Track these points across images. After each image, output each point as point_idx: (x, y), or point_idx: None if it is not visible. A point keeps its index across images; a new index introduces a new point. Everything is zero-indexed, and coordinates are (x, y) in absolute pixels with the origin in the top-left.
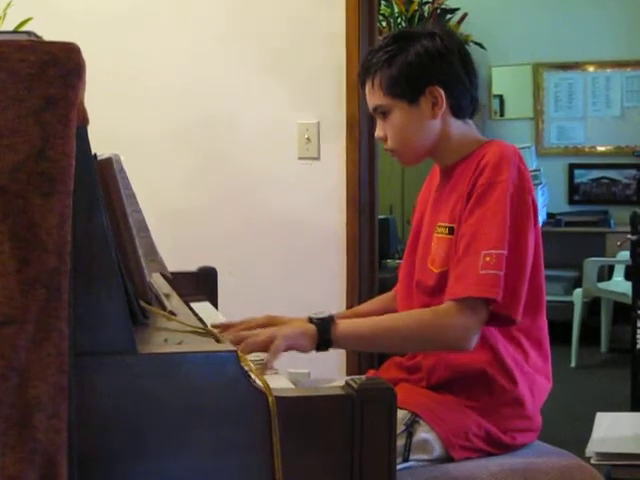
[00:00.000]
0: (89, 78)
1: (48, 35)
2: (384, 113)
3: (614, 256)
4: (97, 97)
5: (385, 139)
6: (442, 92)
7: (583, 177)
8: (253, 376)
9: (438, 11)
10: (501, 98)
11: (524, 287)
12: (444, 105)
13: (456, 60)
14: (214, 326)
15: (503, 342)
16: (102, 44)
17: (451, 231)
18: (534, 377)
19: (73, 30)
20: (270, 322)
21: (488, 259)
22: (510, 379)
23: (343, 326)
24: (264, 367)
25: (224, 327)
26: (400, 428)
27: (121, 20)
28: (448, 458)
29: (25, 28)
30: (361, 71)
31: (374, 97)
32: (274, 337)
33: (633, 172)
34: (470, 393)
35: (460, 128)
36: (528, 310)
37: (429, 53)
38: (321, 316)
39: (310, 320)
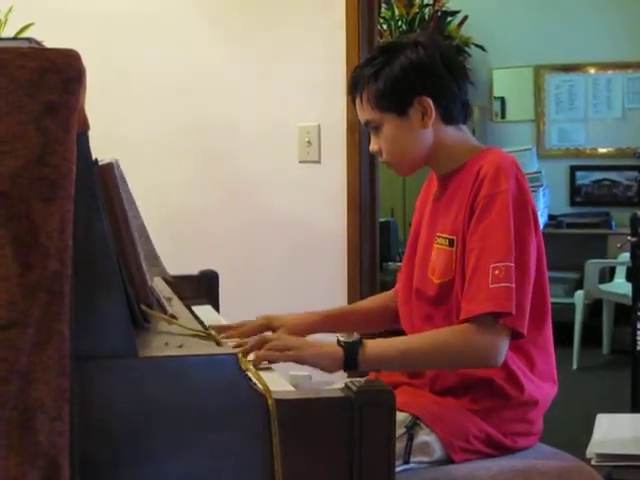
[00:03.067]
0: (90, 81)
1: (49, 40)
2: (376, 127)
3: (615, 258)
4: (98, 100)
5: (380, 152)
6: (430, 101)
7: (584, 179)
8: (253, 379)
9: (439, 14)
10: (502, 100)
11: (528, 300)
12: (434, 114)
13: (441, 67)
14: (212, 327)
15: (509, 352)
16: (103, 47)
17: (451, 243)
18: (540, 384)
19: (73, 34)
20: (267, 322)
21: (497, 272)
22: (517, 387)
23: (370, 349)
24: (256, 360)
25: (222, 329)
26: (401, 430)
27: (121, 23)
28: (448, 460)
29: (26, 33)
30: (350, 87)
31: (364, 112)
32: (296, 347)
33: (634, 174)
34: (474, 398)
35: (453, 135)
36: (534, 319)
37: (413, 64)
38: (349, 339)
39: (338, 342)
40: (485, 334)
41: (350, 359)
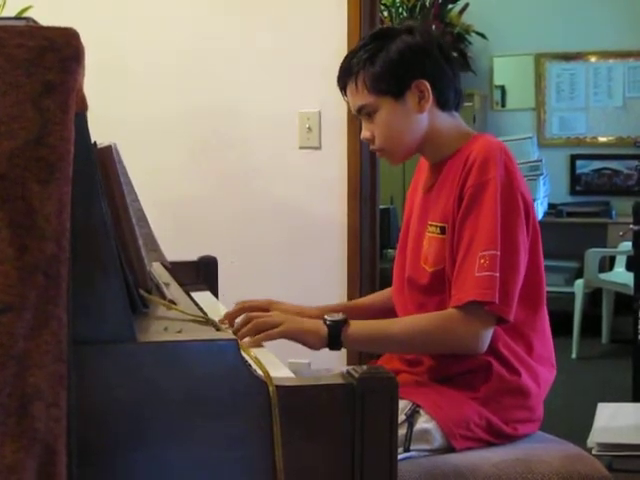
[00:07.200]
0: (90, 64)
1: (47, 22)
2: (370, 113)
3: (615, 247)
4: (98, 83)
5: (372, 139)
6: (428, 85)
7: (585, 168)
8: (254, 365)
9: (439, 1)
10: (503, 89)
11: (516, 287)
12: (430, 98)
13: (437, 52)
14: (221, 321)
15: (504, 336)
16: (101, 31)
17: (443, 230)
18: (538, 368)
19: (71, 16)
20: (270, 306)
21: (483, 261)
22: (513, 371)
23: (353, 329)
24: (250, 343)
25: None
26: (401, 418)
27: (121, 7)
28: (449, 448)
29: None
30: (341, 74)
31: (358, 97)
32: (280, 323)
33: (635, 163)
34: (472, 384)
35: (447, 121)
36: (529, 305)
37: (410, 48)
38: (335, 318)
39: (324, 321)
40: (467, 321)
41: (334, 337)
